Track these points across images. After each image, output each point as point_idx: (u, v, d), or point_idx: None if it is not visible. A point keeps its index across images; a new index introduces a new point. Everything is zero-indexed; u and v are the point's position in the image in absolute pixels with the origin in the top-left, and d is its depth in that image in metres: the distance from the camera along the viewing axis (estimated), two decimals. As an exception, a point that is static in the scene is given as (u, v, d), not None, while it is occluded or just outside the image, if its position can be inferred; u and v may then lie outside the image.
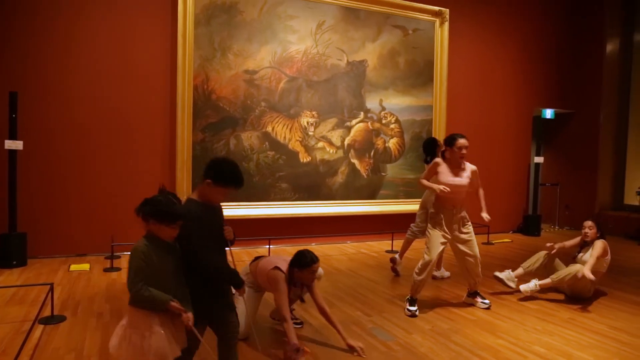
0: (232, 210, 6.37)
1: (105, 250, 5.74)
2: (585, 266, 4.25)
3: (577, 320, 3.95)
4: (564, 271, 4.38)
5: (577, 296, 4.47)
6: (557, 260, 4.64)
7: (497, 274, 4.69)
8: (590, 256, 4.39)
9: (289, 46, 6.69)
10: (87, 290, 4.47)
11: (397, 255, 5.39)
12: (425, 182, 4.08)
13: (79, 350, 3.11)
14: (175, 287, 2.23)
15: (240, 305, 3.09)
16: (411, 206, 7.42)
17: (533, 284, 4.47)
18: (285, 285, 3.20)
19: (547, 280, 4.43)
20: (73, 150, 5.77)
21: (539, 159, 8.75)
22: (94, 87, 5.83)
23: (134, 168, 6.04)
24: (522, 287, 4.48)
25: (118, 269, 5.23)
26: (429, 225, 4.14)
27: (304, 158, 6.85)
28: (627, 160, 9.06)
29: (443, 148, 4.25)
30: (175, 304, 2.16)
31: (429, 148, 5.14)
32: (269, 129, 6.64)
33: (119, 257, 5.75)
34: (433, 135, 7.57)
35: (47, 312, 3.70)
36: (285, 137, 6.73)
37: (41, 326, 3.51)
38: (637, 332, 3.69)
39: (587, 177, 9.01)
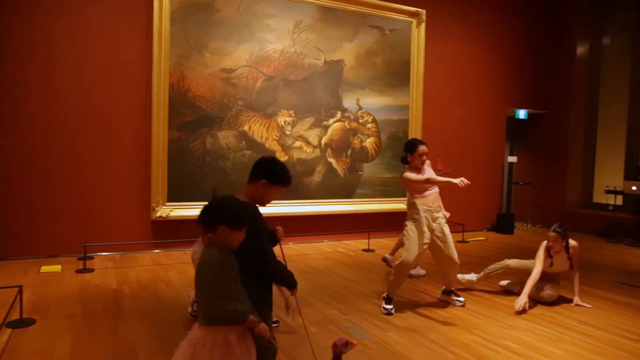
0: (208, 209, 6.32)
1: (78, 251, 5.62)
2: (576, 294, 4.42)
3: (547, 315, 4.05)
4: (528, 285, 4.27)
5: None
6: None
7: (460, 276, 4.69)
8: (574, 274, 4.45)
9: (267, 45, 6.67)
10: (58, 292, 4.37)
11: (387, 255, 5.43)
12: (440, 179, 4.03)
13: (48, 354, 3.05)
14: (237, 295, 2.04)
15: None
16: (388, 205, 7.50)
17: (472, 276, 4.75)
18: None
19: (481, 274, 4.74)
20: (44, 149, 5.64)
21: (512, 159, 8.92)
22: (66, 85, 5.70)
23: (107, 167, 5.94)
24: (460, 276, 4.65)
25: (91, 270, 5.14)
26: (410, 226, 4.13)
27: (281, 157, 6.83)
28: (596, 160, 9.31)
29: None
30: (252, 315, 2.00)
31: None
32: (246, 127, 6.61)
33: (92, 257, 5.65)
34: (409, 135, 7.66)
35: (15, 315, 3.60)
36: (262, 136, 6.71)
37: (9, 330, 3.42)
38: (604, 327, 3.80)
39: (558, 176, 9.22)
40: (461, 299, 4.30)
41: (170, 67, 6.08)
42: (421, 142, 4.17)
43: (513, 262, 4.65)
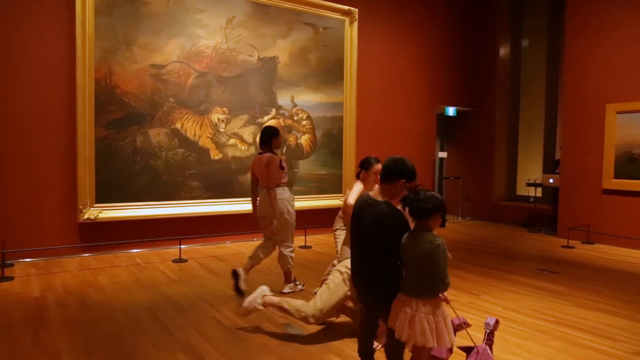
0: (139, 210, 6.11)
1: (-4, 257, 5.25)
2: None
3: (476, 303, 4.26)
4: None
5: None
6: None
7: None
8: None
9: (198, 40, 6.52)
10: (-27, 302, 4.07)
11: None
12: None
13: (-38, 369, 2.83)
14: None
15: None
16: (324, 202, 7.58)
17: None
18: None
19: None
20: (-46, 148, 5.21)
21: (442, 154, 9.29)
22: (-22, 79, 5.30)
23: (28, 167, 5.58)
24: None
25: (10, 278, 4.81)
26: (337, 235, 4.30)
27: (215, 155, 6.72)
28: (518, 154, 9.90)
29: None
30: None
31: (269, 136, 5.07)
32: (178, 125, 6.43)
33: (11, 265, 5.29)
34: (343, 132, 7.80)
35: None
36: (195, 134, 6.56)
37: None
38: (525, 311, 4.06)
39: (485, 171, 9.71)
40: None
41: (95, 61, 5.80)
42: (377, 161, 4.17)
43: None
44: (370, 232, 2.59)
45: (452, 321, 2.60)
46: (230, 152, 6.85)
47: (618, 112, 7.08)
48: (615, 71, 7.16)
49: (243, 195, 6.96)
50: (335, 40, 7.77)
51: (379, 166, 4.17)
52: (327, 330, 3.55)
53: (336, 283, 3.38)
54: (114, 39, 5.93)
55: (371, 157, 4.23)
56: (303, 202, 7.42)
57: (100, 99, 5.86)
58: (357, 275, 2.72)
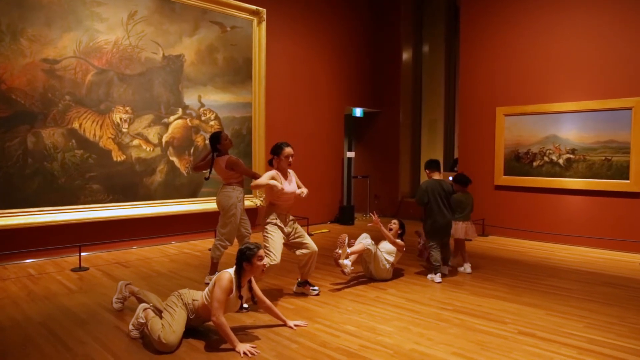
0: (31, 216, 5.65)
1: None
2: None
3: (382, 297, 4.45)
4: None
5: (379, 279, 5.04)
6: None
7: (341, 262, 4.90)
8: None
9: (97, 35, 6.15)
10: None
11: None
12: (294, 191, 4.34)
13: None
14: None
15: None
16: (235, 203, 7.47)
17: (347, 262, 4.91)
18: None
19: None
20: None
21: (350, 154, 9.56)
22: None
23: None
24: (340, 261, 4.82)
25: None
26: (268, 230, 4.25)
27: (118, 157, 6.39)
28: (421, 154, 10.45)
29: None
30: None
31: (213, 141, 5.07)
32: (76, 125, 6.03)
33: None
34: (252, 132, 7.77)
35: None
36: (95, 135, 6.19)
37: None
38: (427, 302, 4.31)
39: (391, 170, 10.14)
40: (316, 287, 4.54)
41: (-24, 54, 5.27)
42: (287, 145, 4.32)
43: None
44: (449, 196, 5.11)
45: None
46: (135, 154, 6.55)
47: (506, 115, 7.74)
48: (504, 77, 7.82)
49: (149, 198, 6.69)
50: (244, 40, 7.70)
51: (289, 149, 4.28)
52: (241, 332, 3.53)
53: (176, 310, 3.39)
54: (-2, 29, 5.42)
55: (281, 142, 4.35)
56: (212, 204, 7.22)
57: (-17, 95, 5.34)
58: (442, 219, 5.06)
